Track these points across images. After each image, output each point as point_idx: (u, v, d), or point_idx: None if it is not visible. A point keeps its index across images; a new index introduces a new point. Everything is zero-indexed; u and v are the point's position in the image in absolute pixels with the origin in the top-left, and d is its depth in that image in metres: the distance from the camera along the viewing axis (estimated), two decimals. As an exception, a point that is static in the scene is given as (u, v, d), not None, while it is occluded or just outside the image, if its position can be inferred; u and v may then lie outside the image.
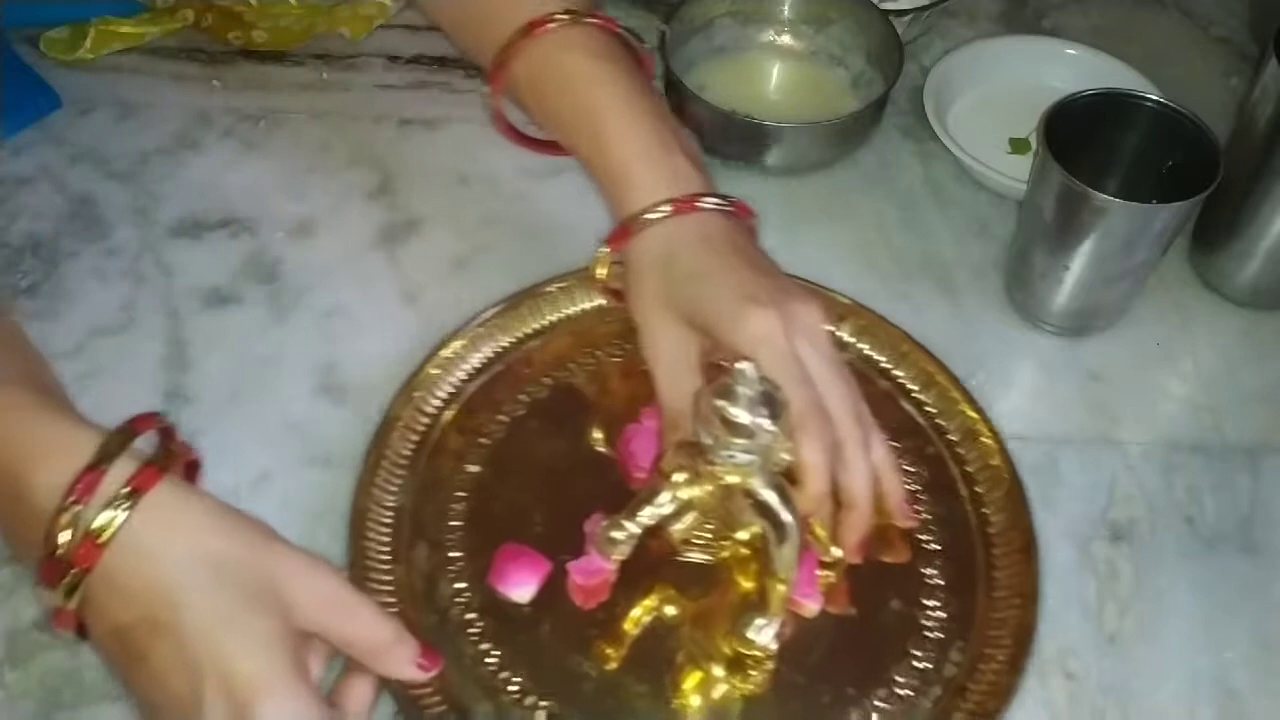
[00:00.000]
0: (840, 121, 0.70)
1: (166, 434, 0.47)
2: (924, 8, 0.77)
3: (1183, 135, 0.61)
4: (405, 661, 0.48)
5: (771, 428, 0.47)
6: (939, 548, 0.56)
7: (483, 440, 0.59)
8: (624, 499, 0.52)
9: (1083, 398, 0.64)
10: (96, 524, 0.42)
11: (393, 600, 0.53)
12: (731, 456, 0.47)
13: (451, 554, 0.55)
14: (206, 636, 0.42)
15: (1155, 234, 0.60)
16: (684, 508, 0.52)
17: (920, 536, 0.56)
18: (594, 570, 0.53)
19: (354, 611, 0.47)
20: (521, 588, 0.53)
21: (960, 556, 0.56)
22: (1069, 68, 0.75)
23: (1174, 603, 0.56)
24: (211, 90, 0.75)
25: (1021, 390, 0.64)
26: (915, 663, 0.53)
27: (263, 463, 0.58)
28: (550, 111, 0.61)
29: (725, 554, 0.55)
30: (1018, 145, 0.73)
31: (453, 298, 0.65)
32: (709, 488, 0.50)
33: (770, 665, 0.52)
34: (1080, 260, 0.61)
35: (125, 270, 0.65)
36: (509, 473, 0.57)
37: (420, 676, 0.48)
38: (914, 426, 0.60)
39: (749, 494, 0.49)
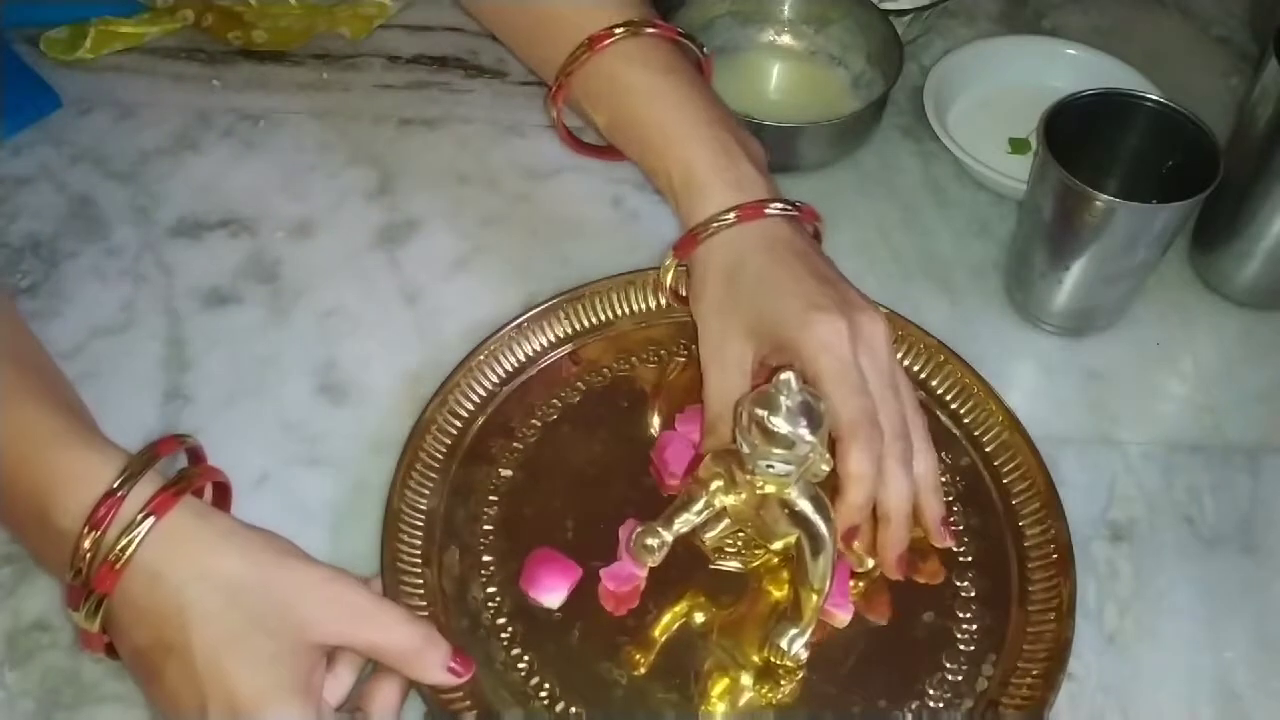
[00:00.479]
0: (840, 121, 0.70)
1: (195, 455, 0.49)
2: (924, 8, 0.77)
3: (1183, 135, 0.61)
4: (436, 666, 0.48)
5: (811, 438, 0.46)
6: (973, 560, 0.56)
7: (515, 445, 0.59)
8: (657, 505, 0.53)
9: (1083, 397, 0.64)
10: (115, 549, 0.44)
11: (423, 604, 0.53)
12: (770, 466, 0.47)
13: (484, 558, 0.55)
14: (211, 658, 0.43)
15: (1155, 234, 0.60)
16: (718, 515, 0.52)
17: (955, 549, 0.56)
18: (625, 576, 0.53)
19: (377, 619, 0.47)
20: (552, 593, 0.53)
21: (995, 570, 0.56)
22: (1069, 68, 0.75)
23: (1174, 603, 0.56)
24: (211, 90, 0.75)
25: (1021, 390, 0.64)
26: (948, 675, 0.52)
27: (261, 463, 0.58)
28: (613, 125, 0.61)
29: (758, 563, 0.55)
30: (1017, 145, 0.73)
31: (453, 298, 0.65)
32: (744, 496, 0.50)
33: (800, 675, 0.52)
34: (1080, 260, 0.61)
35: (125, 270, 0.65)
36: (541, 477, 0.57)
37: (452, 681, 0.49)
38: (949, 437, 0.60)
39: (785, 504, 0.49)
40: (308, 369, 0.62)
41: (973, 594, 0.55)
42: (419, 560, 0.54)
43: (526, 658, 0.52)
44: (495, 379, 0.61)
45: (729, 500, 0.51)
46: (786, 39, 0.77)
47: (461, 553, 0.55)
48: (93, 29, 0.75)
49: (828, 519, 0.49)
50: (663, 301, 0.62)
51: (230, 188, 0.70)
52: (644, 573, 0.53)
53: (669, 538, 0.51)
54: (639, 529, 0.51)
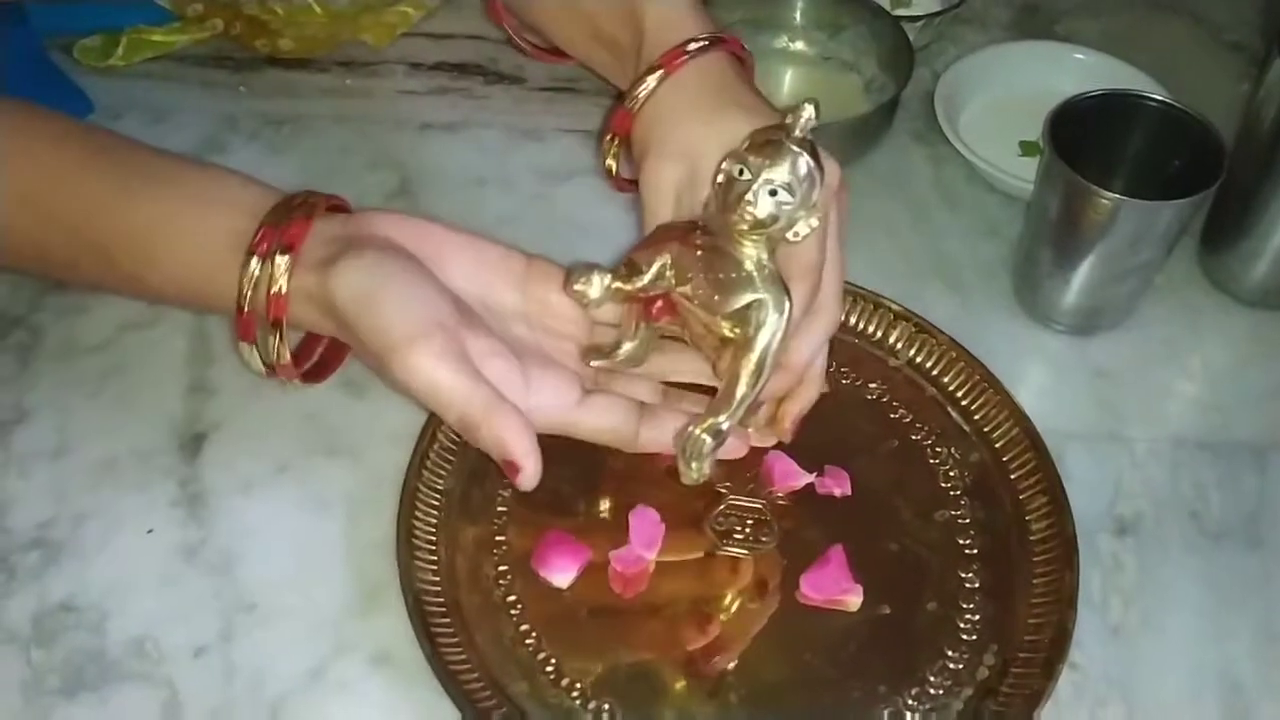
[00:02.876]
0: (851, 123, 0.71)
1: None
2: (936, 14, 0.78)
3: (1188, 135, 0.62)
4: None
5: (812, 165, 0.46)
6: (978, 552, 0.57)
7: None
8: (667, 491, 0.54)
9: (1090, 395, 0.64)
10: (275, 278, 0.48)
11: (435, 579, 0.54)
12: (774, 194, 0.46)
13: (497, 538, 0.56)
14: (361, 313, 0.47)
15: (1161, 232, 0.60)
16: (664, 271, 0.50)
17: (961, 541, 0.57)
18: (633, 560, 0.55)
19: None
20: (562, 573, 0.55)
21: (1000, 562, 0.56)
22: (1079, 72, 0.76)
23: (1179, 596, 0.57)
24: (239, 96, 0.77)
25: (1029, 388, 0.64)
26: (949, 664, 0.53)
27: (283, 453, 0.60)
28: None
29: (764, 549, 0.56)
30: (1028, 148, 0.74)
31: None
32: (700, 253, 0.49)
33: (699, 478, 0.52)
34: (1087, 259, 0.62)
35: (153, 268, 0.67)
36: (555, 463, 0.58)
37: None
38: (959, 432, 0.61)
39: (755, 262, 0.48)
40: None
41: (977, 585, 0.56)
42: (433, 536, 0.55)
43: (534, 633, 0.53)
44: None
45: (677, 253, 0.50)
46: (799, 45, 0.79)
47: (476, 531, 0.56)
48: (125, 37, 0.77)
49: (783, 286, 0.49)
50: None
51: (255, 189, 0.72)
52: (652, 555, 0.54)
53: (608, 280, 0.50)
54: (576, 263, 0.51)
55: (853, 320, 0.64)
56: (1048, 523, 0.57)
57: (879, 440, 0.61)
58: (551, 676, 0.52)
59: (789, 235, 0.48)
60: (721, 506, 0.57)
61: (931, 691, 0.52)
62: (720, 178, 0.48)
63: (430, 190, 0.72)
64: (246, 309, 0.48)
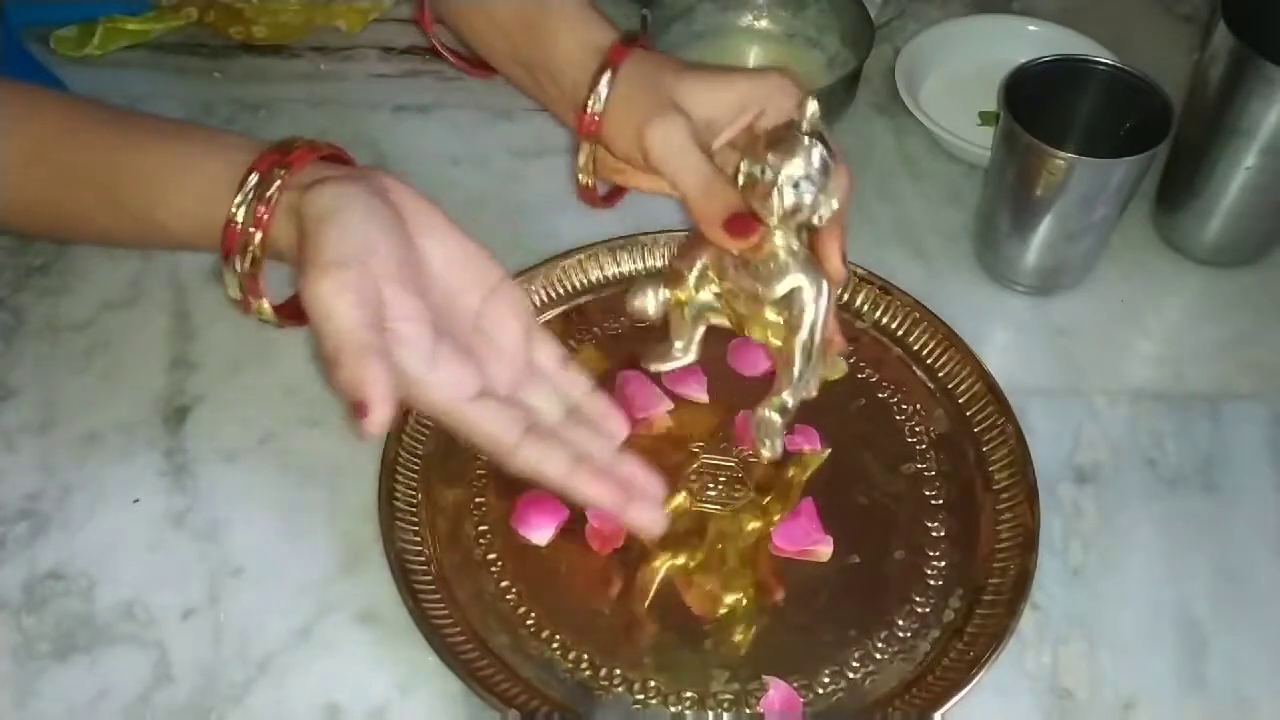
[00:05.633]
0: (814, 95, 0.73)
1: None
2: (896, -9, 0.80)
3: (1137, 97, 0.64)
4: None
5: (825, 154, 0.49)
6: (944, 502, 0.59)
7: None
8: (641, 451, 0.54)
9: (1051, 352, 0.66)
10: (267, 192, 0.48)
11: (417, 539, 0.56)
12: (797, 187, 0.49)
13: (476, 499, 0.58)
14: (311, 229, 0.46)
15: (1113, 189, 0.62)
16: (707, 273, 0.54)
17: (927, 492, 0.59)
18: (610, 517, 0.56)
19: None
20: (540, 531, 0.56)
21: (964, 511, 0.58)
22: (1035, 44, 0.77)
23: (1137, 539, 0.59)
24: (214, 82, 0.78)
25: (993, 346, 0.66)
26: (916, 608, 0.55)
27: (264, 424, 0.61)
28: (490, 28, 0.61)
29: (739, 504, 0.58)
30: (987, 118, 0.76)
31: (445, 269, 0.68)
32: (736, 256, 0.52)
33: (774, 453, 0.54)
34: (1044, 218, 0.64)
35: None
36: None
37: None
38: (925, 390, 0.63)
39: (787, 249, 0.51)
40: (304, 337, 0.64)
41: (943, 533, 0.58)
42: (415, 499, 0.57)
43: (515, 589, 0.55)
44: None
45: (715, 264, 0.53)
46: (765, 23, 0.80)
47: (455, 494, 0.58)
48: (100, 27, 0.79)
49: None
50: (650, 264, 0.66)
51: (232, 172, 0.73)
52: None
53: (667, 293, 0.54)
54: (636, 282, 0.55)
55: (820, 285, 0.66)
56: (1010, 473, 0.59)
57: (847, 399, 0.63)
58: (532, 629, 0.54)
59: (814, 219, 0.51)
60: (695, 465, 0.59)
61: (900, 635, 0.54)
62: (742, 179, 0.51)
63: (405, 170, 0.73)
64: (240, 223, 0.48)
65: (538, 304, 0.66)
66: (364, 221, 0.46)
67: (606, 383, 0.62)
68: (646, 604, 0.55)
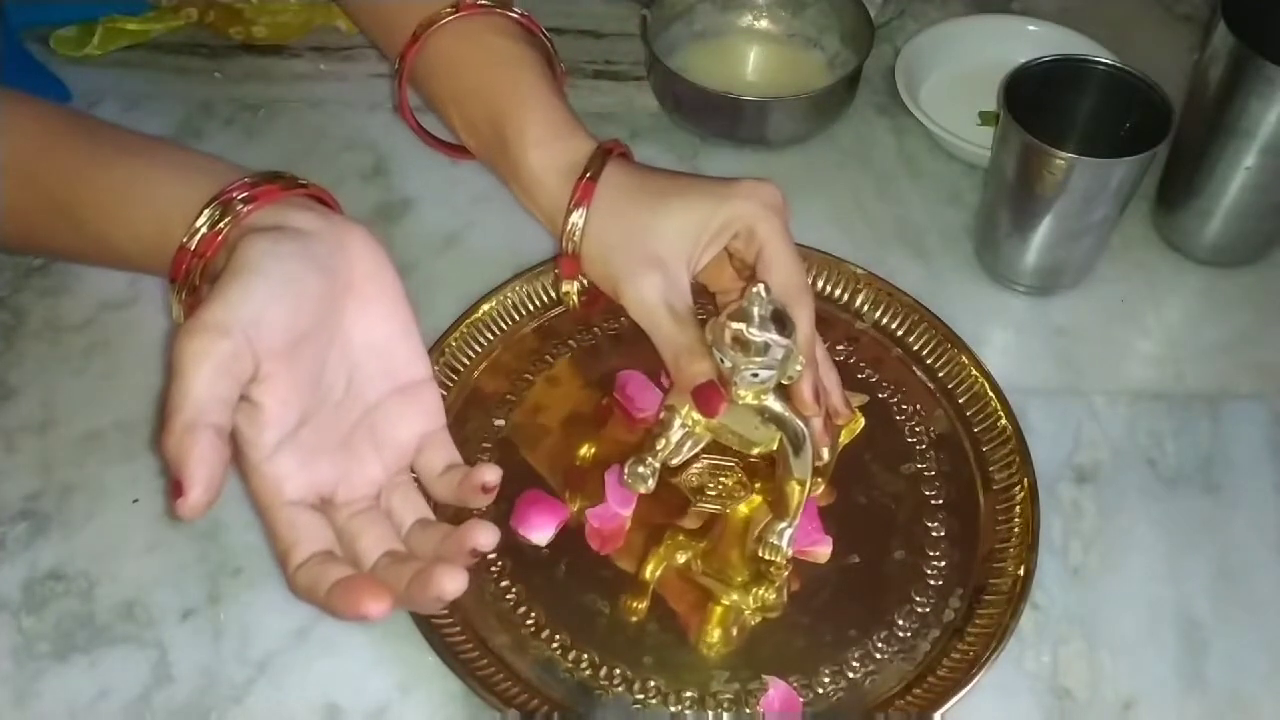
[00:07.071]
0: (814, 95, 0.73)
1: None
2: (896, -9, 0.80)
3: (1137, 97, 0.64)
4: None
5: (786, 342, 0.49)
6: (944, 502, 0.59)
7: (509, 396, 0.62)
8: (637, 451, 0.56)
9: (1051, 352, 0.66)
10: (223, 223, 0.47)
11: None
12: (755, 375, 0.50)
13: None
14: (224, 278, 0.44)
15: (1113, 189, 0.62)
16: (693, 432, 0.54)
17: (926, 492, 0.59)
18: (610, 516, 0.56)
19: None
20: (540, 531, 0.56)
21: (964, 511, 0.58)
22: (1035, 44, 0.77)
23: (1136, 539, 0.59)
24: (214, 82, 0.78)
25: (992, 347, 0.66)
26: (916, 608, 0.55)
27: (265, 424, 0.61)
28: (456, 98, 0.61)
29: (738, 505, 0.58)
30: (987, 118, 0.76)
31: (445, 270, 0.68)
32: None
33: (785, 571, 0.55)
34: (1044, 218, 0.64)
35: (133, 249, 0.68)
36: (533, 426, 0.61)
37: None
38: (925, 390, 0.63)
39: (761, 410, 0.52)
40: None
41: (943, 533, 0.58)
42: None
43: (515, 589, 0.55)
44: (489, 337, 0.64)
45: (701, 418, 0.53)
46: (764, 23, 0.81)
47: None
48: (100, 27, 0.78)
49: (796, 414, 0.52)
50: None
51: (232, 172, 0.73)
52: (627, 513, 0.56)
53: (656, 463, 0.54)
54: (629, 462, 0.54)
55: (821, 285, 0.66)
56: (1010, 473, 0.59)
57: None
58: (532, 629, 0.54)
59: (782, 382, 0.52)
60: (695, 465, 0.59)
61: (900, 634, 0.54)
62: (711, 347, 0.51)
63: (404, 170, 0.74)
64: (194, 247, 0.46)
65: (538, 304, 0.66)
66: (275, 286, 0.43)
67: (607, 383, 0.62)
68: (646, 604, 0.55)
